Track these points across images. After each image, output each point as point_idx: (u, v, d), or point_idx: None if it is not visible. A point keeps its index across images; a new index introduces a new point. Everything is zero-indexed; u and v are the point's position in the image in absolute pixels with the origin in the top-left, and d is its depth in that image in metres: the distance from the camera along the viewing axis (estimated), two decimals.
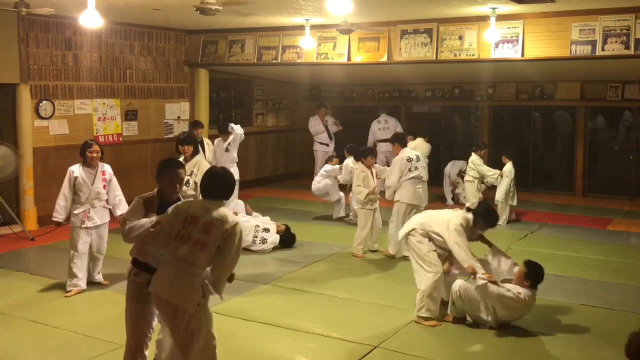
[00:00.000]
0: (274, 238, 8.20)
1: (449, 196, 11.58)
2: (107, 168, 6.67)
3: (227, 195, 4.07)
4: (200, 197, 4.10)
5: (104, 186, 6.55)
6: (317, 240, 8.83)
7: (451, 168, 11.57)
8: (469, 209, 5.90)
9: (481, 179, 10.10)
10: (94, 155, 6.45)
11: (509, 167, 9.93)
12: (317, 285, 6.81)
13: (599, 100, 11.85)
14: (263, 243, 8.07)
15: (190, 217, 3.87)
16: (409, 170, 7.72)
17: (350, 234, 9.00)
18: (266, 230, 8.18)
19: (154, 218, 4.01)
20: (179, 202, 4.11)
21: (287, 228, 8.45)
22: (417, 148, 10.76)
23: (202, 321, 3.89)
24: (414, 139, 10.97)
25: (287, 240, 8.35)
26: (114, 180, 6.68)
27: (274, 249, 8.19)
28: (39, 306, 6.10)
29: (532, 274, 5.50)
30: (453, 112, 13.83)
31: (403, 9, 8.45)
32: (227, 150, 9.94)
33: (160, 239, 3.92)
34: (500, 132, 13.28)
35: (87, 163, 6.48)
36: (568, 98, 12.00)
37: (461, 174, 11.39)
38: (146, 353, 4.23)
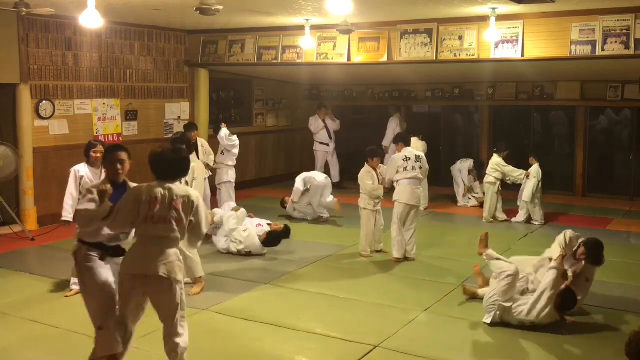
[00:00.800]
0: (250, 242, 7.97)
1: (460, 197, 11.44)
2: None
3: (180, 174, 4.39)
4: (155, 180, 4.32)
5: None
6: (316, 240, 8.83)
7: (460, 166, 11.48)
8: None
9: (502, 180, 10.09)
10: (98, 155, 6.49)
11: (536, 167, 9.91)
12: (317, 285, 6.81)
13: (599, 100, 11.84)
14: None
15: (153, 199, 4.15)
16: (405, 169, 7.70)
17: (350, 234, 9.01)
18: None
19: (107, 207, 4.25)
20: (135, 186, 4.34)
21: (283, 228, 8.34)
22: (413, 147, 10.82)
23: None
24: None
25: (272, 240, 8.05)
26: None
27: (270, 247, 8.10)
28: (39, 306, 6.10)
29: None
30: (453, 112, 13.82)
31: (403, 9, 8.45)
32: (222, 153, 9.98)
33: (119, 223, 4.21)
34: (500, 132, 13.28)
35: (92, 163, 6.52)
36: (568, 98, 12.00)
37: (471, 173, 11.36)
38: (114, 321, 4.31)
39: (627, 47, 7.95)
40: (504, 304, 5.55)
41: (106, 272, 4.35)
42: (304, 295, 6.53)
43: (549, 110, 12.81)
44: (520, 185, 10.09)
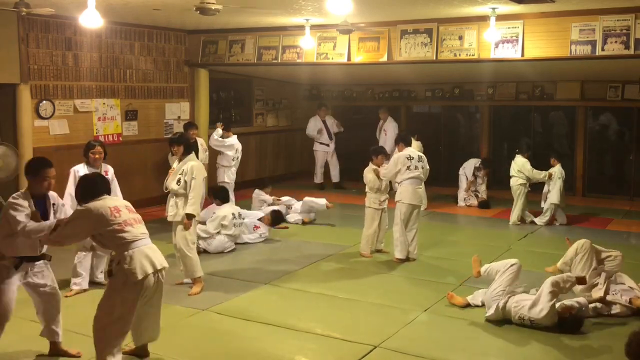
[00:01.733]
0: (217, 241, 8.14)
1: (462, 198, 11.39)
2: (110, 169, 6.75)
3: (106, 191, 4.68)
4: (96, 201, 4.51)
5: None
6: (317, 240, 8.83)
7: (466, 164, 11.45)
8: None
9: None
10: (97, 156, 6.57)
11: (559, 168, 9.85)
12: (317, 285, 6.81)
13: (599, 100, 11.84)
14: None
15: (113, 208, 4.43)
16: (408, 168, 7.69)
17: (350, 234, 9.01)
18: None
19: (50, 222, 4.62)
20: (88, 207, 4.44)
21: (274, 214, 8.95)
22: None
23: None
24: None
25: (275, 219, 9.02)
26: (115, 181, 6.72)
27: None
28: None
29: None
30: (453, 112, 13.82)
31: (403, 9, 8.45)
32: (220, 153, 10.00)
33: (65, 238, 4.52)
34: (500, 132, 13.29)
35: (90, 163, 6.54)
36: (568, 98, 12.00)
37: (476, 172, 11.31)
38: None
39: (627, 47, 7.95)
40: (508, 293, 5.62)
41: (12, 291, 4.69)
42: (304, 295, 6.53)
43: (549, 110, 12.81)
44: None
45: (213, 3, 6.45)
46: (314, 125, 13.12)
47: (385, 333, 5.46)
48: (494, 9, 8.03)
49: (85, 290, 6.52)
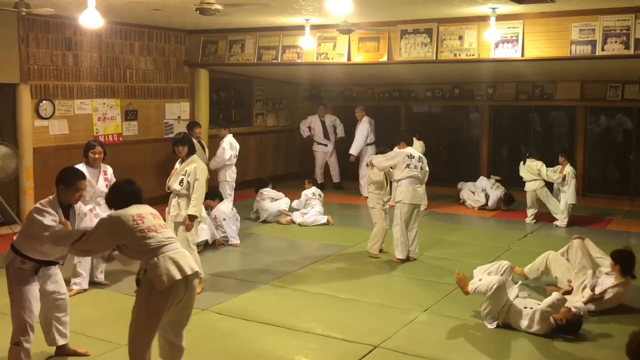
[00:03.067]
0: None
1: (473, 202, 11.24)
2: (109, 169, 6.75)
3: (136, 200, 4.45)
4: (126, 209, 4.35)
5: (106, 186, 6.58)
6: (317, 240, 8.83)
7: (487, 185, 11.26)
8: None
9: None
10: (97, 156, 6.59)
11: (570, 168, 9.82)
12: (317, 285, 6.81)
13: (599, 100, 11.84)
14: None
15: (135, 216, 4.24)
16: (407, 166, 7.64)
17: (350, 234, 9.01)
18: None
19: (78, 230, 4.53)
20: (110, 215, 4.34)
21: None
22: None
23: None
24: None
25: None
26: (115, 181, 6.70)
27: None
28: None
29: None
30: (453, 112, 13.81)
31: (403, 9, 8.45)
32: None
33: (90, 246, 4.31)
34: (500, 132, 13.29)
35: (90, 163, 6.55)
36: (568, 98, 12.00)
37: (501, 201, 11.04)
38: (32, 336, 4.52)
39: (627, 47, 7.95)
40: (503, 307, 5.59)
41: (35, 290, 4.54)
42: (304, 295, 6.53)
43: (549, 110, 12.81)
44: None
45: (213, 3, 6.45)
46: (307, 122, 13.09)
47: (385, 333, 5.46)
48: (494, 9, 8.03)
49: (85, 290, 6.52)
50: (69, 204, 4.71)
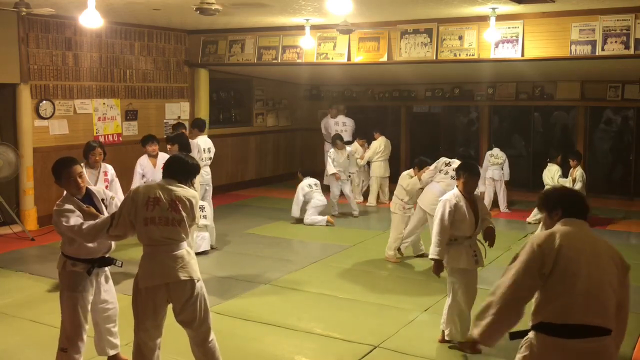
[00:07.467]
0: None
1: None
2: (110, 169, 6.77)
3: (185, 179, 4.19)
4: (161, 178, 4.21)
5: (106, 186, 6.58)
6: (317, 240, 8.83)
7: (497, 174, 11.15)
8: None
9: None
10: (97, 158, 6.60)
11: (581, 171, 9.83)
12: (317, 285, 6.81)
13: (599, 100, 11.84)
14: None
15: (152, 199, 3.97)
16: (446, 173, 7.41)
17: (350, 234, 9.01)
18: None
19: (106, 217, 4.21)
20: (137, 187, 4.16)
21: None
22: (383, 146, 10.84)
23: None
24: (380, 135, 11.25)
25: None
26: (116, 181, 6.74)
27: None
28: (39, 306, 6.10)
29: None
30: (453, 112, 13.82)
31: (403, 9, 8.45)
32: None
33: (121, 228, 4.02)
34: (500, 132, 13.29)
35: (90, 164, 6.57)
36: (568, 98, 12.00)
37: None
38: (81, 346, 4.32)
39: (627, 47, 7.95)
40: None
41: (87, 297, 4.34)
42: (304, 295, 6.53)
43: (549, 110, 12.81)
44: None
45: (213, 3, 6.46)
46: (324, 123, 13.08)
47: (385, 333, 5.46)
48: (494, 9, 8.04)
49: None
50: (82, 194, 4.37)
